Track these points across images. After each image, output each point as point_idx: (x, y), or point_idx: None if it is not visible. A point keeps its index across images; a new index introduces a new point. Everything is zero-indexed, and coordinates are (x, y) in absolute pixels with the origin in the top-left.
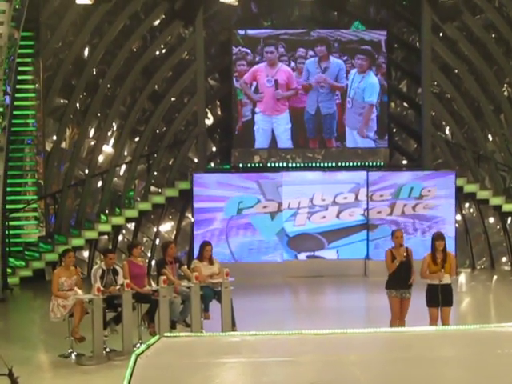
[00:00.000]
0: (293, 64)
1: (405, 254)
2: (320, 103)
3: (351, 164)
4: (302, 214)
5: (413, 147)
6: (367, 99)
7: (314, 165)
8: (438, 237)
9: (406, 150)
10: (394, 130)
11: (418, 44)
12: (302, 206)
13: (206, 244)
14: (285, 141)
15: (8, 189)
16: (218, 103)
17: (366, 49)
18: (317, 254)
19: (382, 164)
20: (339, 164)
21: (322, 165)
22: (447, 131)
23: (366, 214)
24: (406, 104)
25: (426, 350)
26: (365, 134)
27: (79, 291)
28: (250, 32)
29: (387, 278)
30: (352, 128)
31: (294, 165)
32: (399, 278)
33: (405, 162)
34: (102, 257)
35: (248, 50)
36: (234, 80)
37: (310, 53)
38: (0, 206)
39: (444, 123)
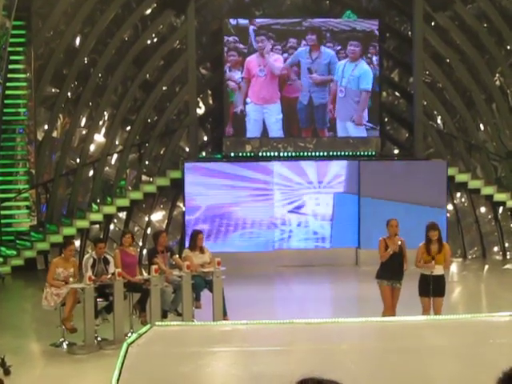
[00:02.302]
0: (285, 54)
1: (399, 243)
2: (313, 93)
3: (343, 153)
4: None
5: (404, 136)
6: (362, 87)
7: (305, 154)
8: (432, 227)
9: (398, 139)
10: (386, 120)
11: (409, 33)
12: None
13: (197, 233)
14: (276, 131)
15: None
16: (210, 92)
17: (358, 37)
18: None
19: (374, 153)
20: (331, 153)
21: (313, 154)
22: (439, 121)
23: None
24: (397, 93)
25: (418, 340)
26: (362, 121)
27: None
28: (242, 21)
29: (378, 268)
30: (344, 118)
31: (285, 154)
32: (391, 268)
33: (396, 151)
34: (93, 246)
35: (239, 40)
36: (226, 69)
37: (303, 42)
38: None
39: (436, 112)
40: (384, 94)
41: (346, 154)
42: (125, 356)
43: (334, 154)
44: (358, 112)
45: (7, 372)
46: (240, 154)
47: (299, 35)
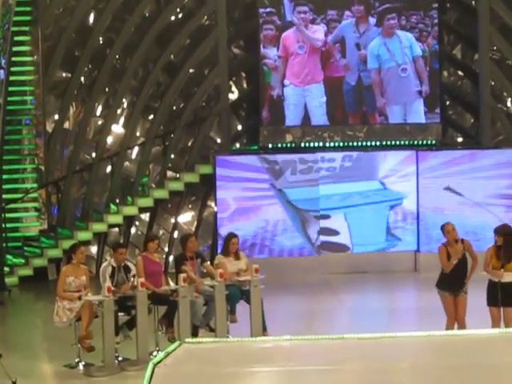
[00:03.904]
0: (325, 28)
1: (462, 249)
2: (362, 72)
3: (398, 143)
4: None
5: (469, 122)
6: (415, 54)
7: (355, 144)
8: (505, 230)
9: (462, 125)
10: (448, 103)
11: (473, 3)
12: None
13: (231, 236)
14: (319, 116)
15: (4, 176)
16: (244, 74)
17: (414, 7)
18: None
19: (434, 142)
20: (384, 143)
21: (364, 144)
22: (509, 103)
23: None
24: (460, 73)
25: (487, 356)
26: (428, 91)
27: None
28: None
29: (439, 275)
30: (398, 100)
31: (331, 144)
32: (453, 277)
33: (460, 139)
34: (112, 252)
35: (275, 12)
36: (262, 47)
37: (347, 14)
38: None
39: (505, 94)
40: (445, 73)
41: (402, 143)
42: (150, 378)
43: (388, 143)
44: (423, 84)
45: None
46: (279, 145)
47: (342, 6)
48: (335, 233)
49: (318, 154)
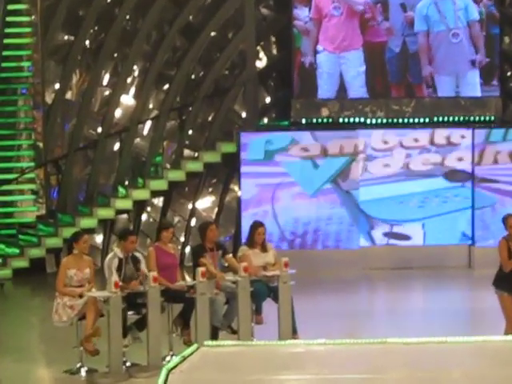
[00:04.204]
0: None
1: None
2: (407, 37)
3: (450, 119)
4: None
5: None
6: (471, 18)
7: (401, 121)
8: None
9: None
10: (509, 74)
11: None
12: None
13: (257, 225)
14: (357, 88)
15: None
16: (273, 39)
17: None
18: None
19: (493, 118)
20: (434, 119)
21: (412, 121)
22: None
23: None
24: None
25: None
26: (484, 60)
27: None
28: None
29: (497, 272)
30: (450, 70)
31: (374, 121)
32: None
33: None
34: (119, 240)
35: None
36: (294, 8)
37: None
38: None
39: None
40: (506, 39)
41: (456, 119)
42: None
43: (439, 120)
44: (479, 49)
45: None
46: (313, 121)
47: None
48: (406, 238)
49: (358, 131)
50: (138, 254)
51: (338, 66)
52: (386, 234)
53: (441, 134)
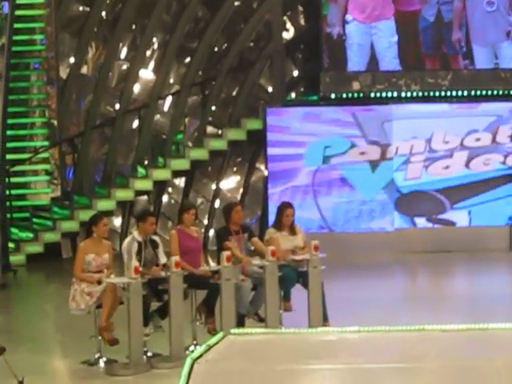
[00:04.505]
0: None
1: None
2: (442, 5)
3: (490, 93)
4: (415, 162)
5: None
6: None
7: (436, 94)
8: None
9: None
10: None
11: None
12: (417, 151)
13: (285, 206)
14: (390, 60)
15: (8, 132)
16: (301, 9)
17: None
18: (439, 217)
19: None
20: (472, 93)
21: (448, 94)
22: None
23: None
24: None
25: None
26: None
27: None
28: None
29: None
30: (485, 40)
31: (409, 94)
32: None
33: None
34: (138, 222)
35: None
36: None
37: None
38: None
39: None
40: None
41: (496, 93)
42: (189, 376)
43: (477, 93)
44: (507, 25)
45: None
46: (344, 96)
47: None
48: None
49: (391, 106)
50: (155, 237)
51: (369, 36)
52: (429, 220)
53: None
